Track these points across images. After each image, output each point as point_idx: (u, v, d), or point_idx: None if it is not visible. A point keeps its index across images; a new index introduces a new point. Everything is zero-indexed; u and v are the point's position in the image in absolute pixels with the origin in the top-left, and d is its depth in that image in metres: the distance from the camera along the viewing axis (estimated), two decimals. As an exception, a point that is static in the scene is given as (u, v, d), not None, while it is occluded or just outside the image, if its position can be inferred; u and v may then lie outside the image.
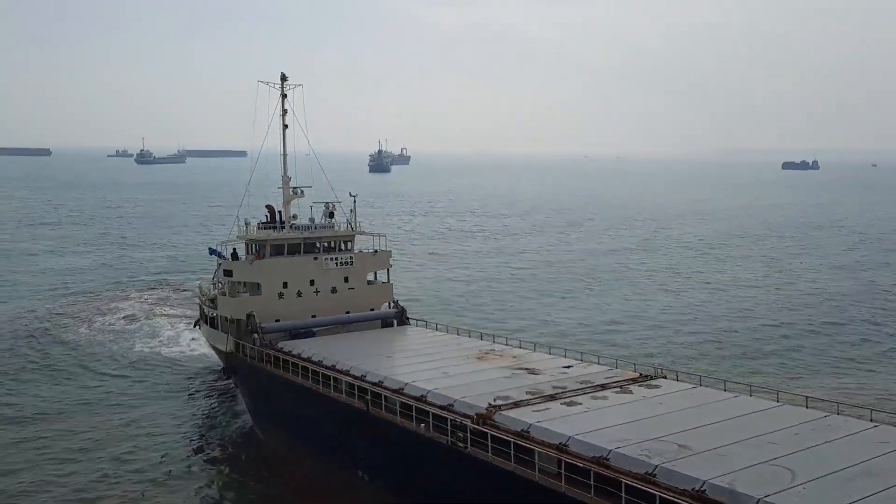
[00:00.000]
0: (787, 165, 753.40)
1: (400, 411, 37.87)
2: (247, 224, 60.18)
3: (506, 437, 31.84)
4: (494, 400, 36.47)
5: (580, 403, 36.09)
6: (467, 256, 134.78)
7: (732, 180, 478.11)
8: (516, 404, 36.09)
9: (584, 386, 39.00)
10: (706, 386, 38.93)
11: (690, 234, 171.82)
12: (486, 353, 47.12)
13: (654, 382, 39.65)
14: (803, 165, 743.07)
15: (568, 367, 43.32)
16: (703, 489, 25.81)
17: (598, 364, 44.05)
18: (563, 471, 29.08)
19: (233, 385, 60.50)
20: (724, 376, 43.32)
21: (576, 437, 30.93)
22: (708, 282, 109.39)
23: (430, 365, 44.50)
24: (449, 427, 34.69)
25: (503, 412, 34.81)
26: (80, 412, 55.85)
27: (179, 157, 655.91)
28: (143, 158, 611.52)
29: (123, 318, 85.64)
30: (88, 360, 68.76)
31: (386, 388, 40.27)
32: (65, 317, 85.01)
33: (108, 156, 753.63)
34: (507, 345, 50.24)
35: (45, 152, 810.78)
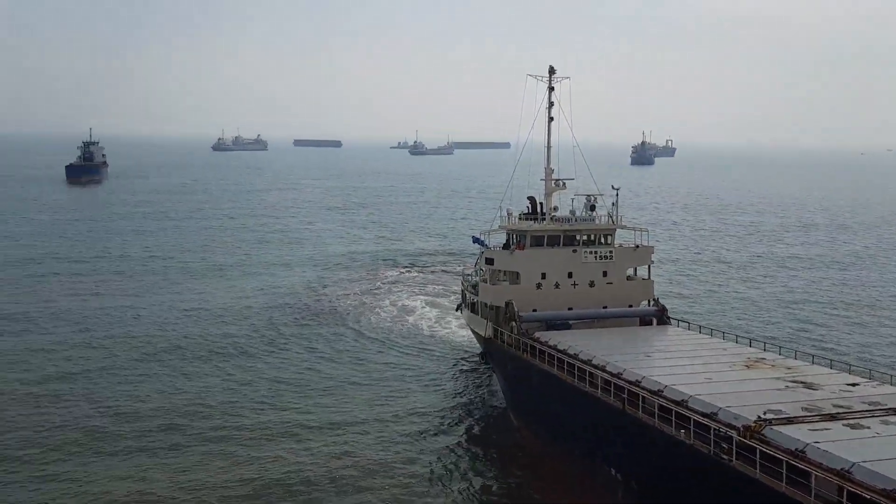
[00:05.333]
0: None
1: (658, 414, 36.41)
2: (509, 214, 61.67)
3: (777, 455, 29.24)
4: (764, 413, 33.68)
5: (867, 427, 32.08)
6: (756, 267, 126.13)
7: None
8: (790, 420, 33.03)
9: (872, 408, 34.62)
10: None
11: None
12: (756, 362, 43.70)
13: (962, 412, 34.09)
14: None
15: (853, 384, 38.76)
16: None
17: (892, 384, 38.86)
18: (844, 500, 26.02)
19: (490, 369, 62.41)
20: None
21: (862, 464, 27.52)
22: None
23: (691, 368, 42.31)
24: (712, 437, 32.67)
25: (774, 427, 32.01)
26: (338, 381, 60.59)
27: (448, 149, 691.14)
28: (417, 150, 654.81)
29: (389, 295, 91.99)
30: (351, 334, 74.53)
31: (643, 389, 38.96)
32: (331, 296, 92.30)
33: (391, 147, 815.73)
34: (780, 354, 46.21)
35: (337, 144, 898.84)
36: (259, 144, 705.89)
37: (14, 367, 61.62)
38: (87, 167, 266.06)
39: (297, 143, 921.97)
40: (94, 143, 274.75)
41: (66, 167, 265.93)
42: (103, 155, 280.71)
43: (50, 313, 78.99)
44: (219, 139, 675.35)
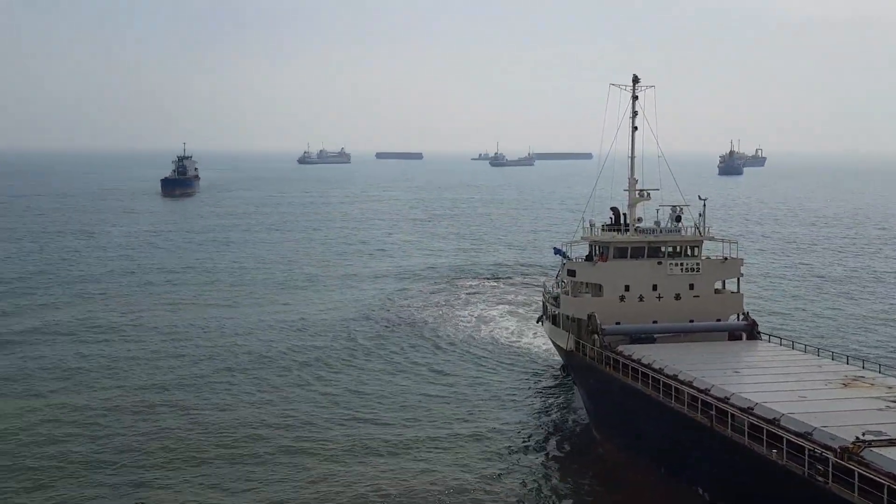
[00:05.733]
0: None
1: (748, 432, 35.14)
2: (591, 225, 60.85)
3: (877, 479, 27.72)
4: (863, 434, 32.01)
5: (980, 452, 30.03)
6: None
7: None
8: (891, 442, 31.28)
9: (984, 431, 32.41)
10: None
11: None
12: (854, 380, 41.63)
13: None
14: None
15: (963, 405, 36.42)
16: None
17: None
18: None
19: (571, 382, 61.59)
20: None
21: (973, 492, 25.75)
22: None
23: (784, 386, 40.66)
24: (806, 457, 31.25)
25: (874, 449, 30.37)
26: (417, 394, 60.65)
27: (528, 160, 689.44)
28: (497, 161, 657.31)
29: (468, 306, 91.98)
30: (430, 346, 74.59)
31: (732, 406, 37.66)
32: (411, 307, 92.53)
33: (472, 159, 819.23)
34: (880, 372, 43.87)
35: (418, 156, 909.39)
36: (342, 157, 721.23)
37: (111, 374, 64.22)
38: (180, 180, 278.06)
39: (380, 155, 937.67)
40: (187, 158, 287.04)
41: (162, 180, 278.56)
42: (196, 168, 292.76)
43: (142, 323, 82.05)
44: (304, 152, 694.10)
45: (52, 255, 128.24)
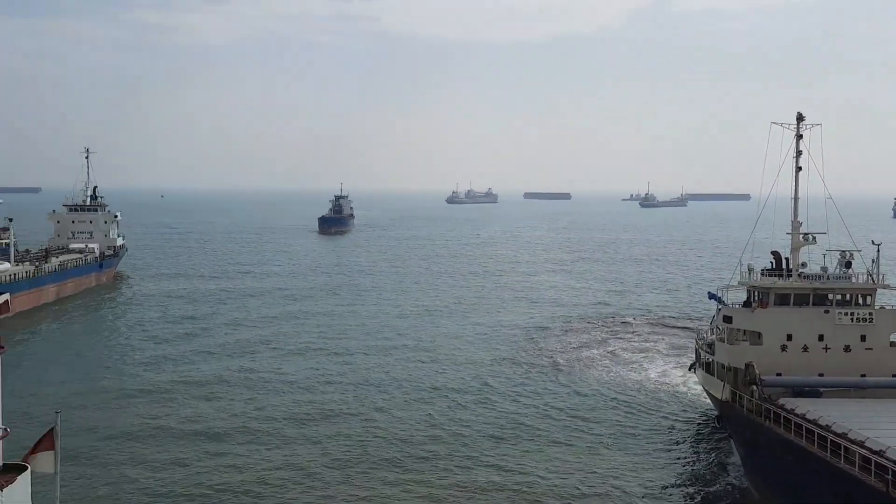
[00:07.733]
0: None
1: (931, 501, 31.88)
2: (750, 270, 58.23)
3: None
4: None
5: None
6: None
7: None
8: None
9: None
10: None
11: None
12: None
13: None
14: None
15: None
16: None
17: None
18: None
19: (726, 435, 58.45)
20: None
21: None
22: None
23: (974, 452, 36.60)
24: None
25: None
26: (552, 441, 58.95)
27: (681, 201, 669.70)
28: (647, 202, 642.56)
29: (614, 351, 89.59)
30: (569, 390, 72.80)
31: (913, 470, 34.34)
32: (552, 350, 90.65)
33: (622, 199, 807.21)
34: None
35: (566, 196, 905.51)
36: (489, 197, 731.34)
37: (255, 424, 61.91)
38: (336, 219, 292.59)
39: (527, 195, 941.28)
40: (343, 197, 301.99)
41: (319, 219, 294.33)
42: (351, 207, 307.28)
43: (285, 371, 79.52)
44: (452, 192, 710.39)
45: (212, 293, 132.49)
